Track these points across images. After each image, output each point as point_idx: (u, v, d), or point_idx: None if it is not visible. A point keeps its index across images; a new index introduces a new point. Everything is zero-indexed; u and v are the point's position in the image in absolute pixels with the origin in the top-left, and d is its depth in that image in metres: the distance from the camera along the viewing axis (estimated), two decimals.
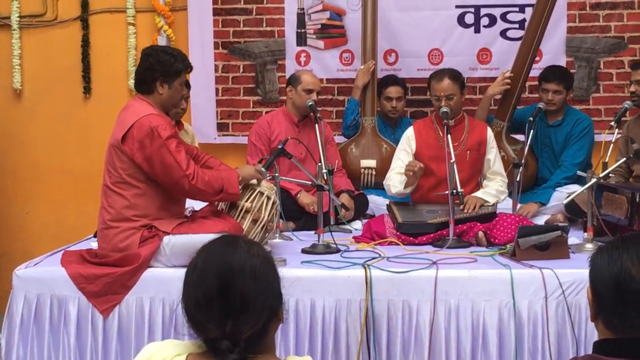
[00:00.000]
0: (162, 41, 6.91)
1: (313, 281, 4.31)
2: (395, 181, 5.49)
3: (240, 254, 2.16)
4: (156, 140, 4.30)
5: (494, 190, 5.48)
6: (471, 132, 5.61)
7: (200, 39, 7.09)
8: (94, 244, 4.84)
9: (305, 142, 5.64)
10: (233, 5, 7.09)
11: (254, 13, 7.10)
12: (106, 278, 4.33)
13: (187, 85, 5.90)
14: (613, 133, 5.14)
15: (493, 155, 5.62)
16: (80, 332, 4.39)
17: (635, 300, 2.12)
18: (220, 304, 2.10)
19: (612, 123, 5.25)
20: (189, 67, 4.59)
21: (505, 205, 5.58)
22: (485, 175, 5.64)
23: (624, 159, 5.28)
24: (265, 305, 2.13)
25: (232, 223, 4.46)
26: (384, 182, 5.66)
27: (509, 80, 6.32)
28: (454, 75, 5.60)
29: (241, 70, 7.16)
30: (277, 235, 5.27)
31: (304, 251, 4.82)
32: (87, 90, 7.24)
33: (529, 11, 6.68)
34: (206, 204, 4.79)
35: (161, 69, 4.45)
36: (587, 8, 6.93)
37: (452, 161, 4.91)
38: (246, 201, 4.61)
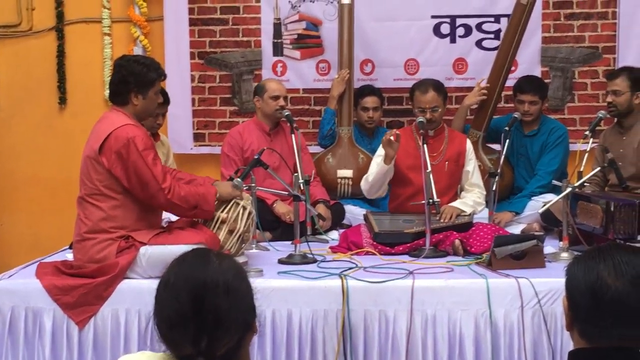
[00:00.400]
0: (138, 51, 6.90)
1: (290, 292, 4.29)
2: (372, 170, 5.49)
3: (212, 269, 2.13)
4: (133, 151, 4.27)
5: (471, 201, 5.50)
6: (450, 143, 5.63)
7: (176, 49, 7.08)
8: (69, 256, 4.80)
9: (278, 150, 5.63)
10: (209, 15, 7.09)
11: (230, 23, 7.10)
12: (82, 289, 4.30)
13: (167, 101, 5.88)
14: (588, 142, 5.17)
15: (472, 167, 5.65)
16: (55, 344, 4.35)
17: (611, 309, 2.12)
18: (194, 322, 2.06)
19: (587, 132, 5.27)
20: (162, 76, 4.55)
21: (482, 215, 5.59)
22: (464, 187, 5.66)
23: (599, 168, 5.30)
24: (239, 320, 2.10)
25: (208, 234, 4.44)
26: (361, 185, 5.66)
27: (485, 91, 6.34)
28: (438, 86, 5.62)
29: (217, 80, 7.15)
30: (254, 245, 5.25)
31: (280, 261, 4.80)
32: (62, 100, 7.20)
33: (504, 21, 6.72)
34: None
35: (135, 80, 4.41)
36: (562, 18, 6.98)
37: (428, 171, 4.91)
38: (222, 212, 4.59)
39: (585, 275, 2.17)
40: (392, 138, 5.25)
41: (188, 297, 2.07)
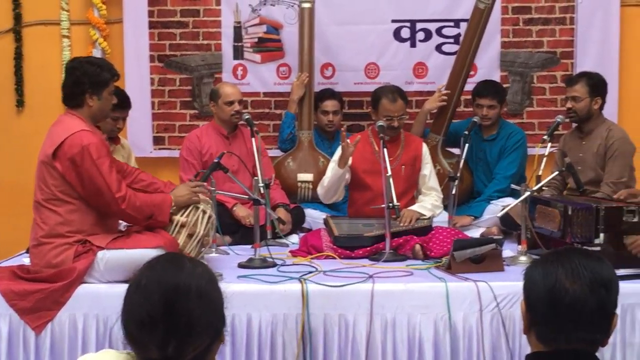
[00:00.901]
0: (97, 54, 6.84)
1: (249, 296, 4.27)
2: (328, 174, 5.49)
3: (185, 274, 2.11)
4: (87, 159, 4.22)
5: (429, 204, 5.52)
6: (406, 147, 5.65)
7: (136, 52, 7.03)
8: (26, 260, 4.74)
9: (237, 154, 5.61)
10: (169, 18, 7.06)
11: (191, 26, 7.07)
12: (39, 294, 4.25)
13: (128, 105, 5.83)
14: (546, 147, 5.20)
15: (428, 170, 5.67)
16: (11, 350, 4.29)
17: (568, 313, 2.13)
18: (164, 325, 2.04)
19: (545, 137, 5.31)
20: (116, 76, 4.50)
21: (441, 219, 5.61)
22: (421, 191, 5.68)
23: (557, 172, 5.35)
24: (210, 327, 2.09)
25: (167, 238, 4.40)
26: (317, 190, 5.67)
27: (445, 97, 6.36)
28: (403, 94, 5.67)
29: (177, 83, 7.12)
30: (214, 249, 5.23)
31: (240, 265, 4.79)
32: (20, 103, 7.13)
33: (463, 26, 6.76)
34: None
35: (89, 81, 4.36)
36: (521, 23, 7.04)
37: (388, 175, 4.92)
38: (181, 215, 4.56)
39: (543, 279, 2.18)
40: (348, 141, 5.27)
41: (160, 299, 2.05)
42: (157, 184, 4.77)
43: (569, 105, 5.73)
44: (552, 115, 6.39)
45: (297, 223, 6.01)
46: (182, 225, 4.54)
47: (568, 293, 2.13)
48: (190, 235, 4.55)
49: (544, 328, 2.18)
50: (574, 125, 5.96)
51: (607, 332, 2.17)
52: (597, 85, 5.73)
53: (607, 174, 5.64)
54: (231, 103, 5.99)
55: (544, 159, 5.08)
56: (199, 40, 7.09)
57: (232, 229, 5.69)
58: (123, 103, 5.67)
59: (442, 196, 5.67)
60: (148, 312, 2.05)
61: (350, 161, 5.45)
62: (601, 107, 5.77)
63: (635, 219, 4.58)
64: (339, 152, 5.60)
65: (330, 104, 6.60)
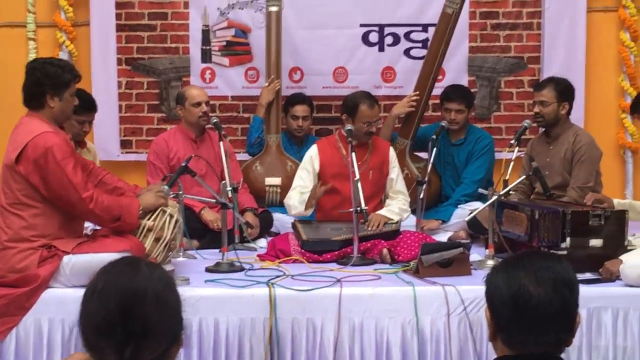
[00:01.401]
0: (64, 57, 6.78)
1: (217, 300, 4.26)
2: (296, 201, 5.49)
3: (142, 278, 2.10)
4: (51, 161, 4.18)
5: (397, 208, 5.52)
6: (374, 151, 5.65)
7: (103, 55, 7.00)
8: None
9: (205, 157, 5.59)
10: (137, 21, 7.02)
11: (158, 29, 7.05)
12: (3, 299, 4.20)
13: (94, 108, 5.79)
14: (513, 151, 5.23)
15: (395, 174, 5.68)
16: None
17: (534, 317, 2.14)
18: (120, 329, 2.03)
19: (512, 141, 5.33)
20: (77, 77, 4.45)
21: (409, 223, 5.62)
22: (388, 195, 5.69)
23: (524, 176, 5.37)
24: (167, 331, 2.08)
25: (134, 242, 4.37)
26: (284, 201, 5.65)
27: (414, 103, 6.37)
28: (377, 100, 5.67)
29: (145, 86, 7.09)
30: (181, 253, 5.20)
31: (207, 270, 4.77)
32: None
33: (432, 31, 6.77)
34: None
35: (49, 82, 4.31)
36: (488, 28, 7.08)
37: (356, 179, 4.92)
38: (148, 219, 4.53)
39: (506, 284, 2.19)
40: (322, 188, 5.28)
41: (116, 304, 2.05)
42: (122, 189, 4.73)
43: (536, 109, 5.77)
44: (520, 120, 6.42)
45: (265, 227, 6.00)
46: (149, 229, 4.51)
47: (533, 297, 2.14)
48: (157, 240, 4.53)
49: (511, 333, 2.19)
50: (541, 130, 5.99)
51: (572, 331, 2.18)
52: (564, 90, 5.78)
53: (573, 178, 5.67)
54: (198, 104, 5.96)
55: (511, 164, 5.10)
56: (167, 44, 7.07)
57: (200, 233, 5.66)
58: (89, 106, 5.63)
59: (409, 200, 5.68)
60: (104, 317, 2.05)
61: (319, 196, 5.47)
62: (568, 112, 5.81)
63: (601, 223, 4.62)
64: (306, 159, 5.60)
65: (300, 109, 6.59)
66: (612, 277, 4.43)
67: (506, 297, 2.18)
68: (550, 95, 5.73)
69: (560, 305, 2.13)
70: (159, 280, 2.12)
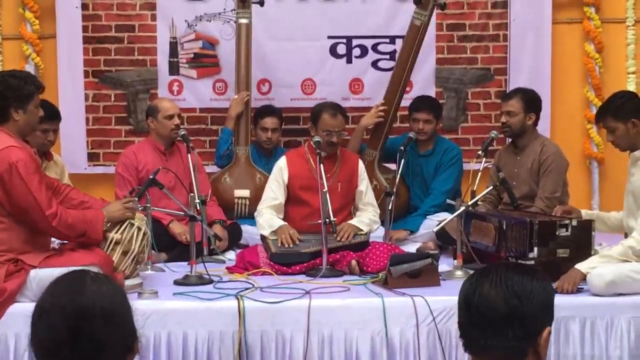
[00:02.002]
0: (29, 69, 6.73)
1: (185, 313, 4.24)
2: (266, 224, 5.44)
3: (88, 294, 2.04)
4: (15, 176, 4.13)
5: (366, 219, 5.52)
6: (343, 163, 5.64)
7: (70, 68, 6.95)
8: None
9: (174, 170, 5.56)
10: (104, 33, 6.99)
11: (126, 41, 7.01)
12: None
13: (57, 116, 5.76)
14: (481, 162, 5.26)
15: (364, 186, 5.67)
16: None
17: (477, 317, 2.16)
18: (71, 350, 1.99)
19: (480, 152, 5.36)
20: (40, 88, 4.41)
21: (378, 234, 5.63)
22: (357, 207, 5.68)
23: (491, 187, 5.40)
24: (119, 345, 2.04)
25: (101, 255, 4.34)
26: (255, 215, 5.63)
27: (382, 113, 6.38)
28: (344, 112, 5.68)
29: (112, 99, 7.05)
30: (149, 266, 5.17)
31: (176, 282, 4.74)
32: None
33: (399, 42, 6.80)
34: None
35: (13, 95, 4.27)
36: (455, 40, 7.12)
37: (324, 190, 4.93)
38: (116, 232, 4.51)
39: (466, 284, 2.23)
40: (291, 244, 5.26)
41: (64, 325, 1.99)
42: (89, 203, 4.69)
43: (503, 119, 5.80)
44: (487, 131, 6.45)
45: (234, 239, 5.99)
46: (117, 242, 4.49)
47: (481, 297, 2.15)
48: (125, 253, 4.51)
49: (462, 333, 2.21)
50: (509, 140, 6.03)
51: (527, 341, 2.17)
52: (531, 101, 5.82)
53: (541, 188, 5.71)
54: (171, 117, 5.94)
55: (479, 174, 5.12)
56: (134, 56, 7.04)
57: (168, 246, 5.63)
58: (51, 114, 5.58)
59: (379, 211, 5.68)
60: (52, 339, 2.00)
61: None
62: (535, 123, 5.85)
63: (568, 233, 4.65)
64: (275, 171, 5.58)
65: (269, 122, 6.56)
66: (570, 290, 4.43)
67: (461, 296, 2.21)
68: (517, 105, 5.77)
69: (507, 313, 2.14)
70: (106, 294, 2.06)
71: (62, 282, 2.10)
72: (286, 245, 5.20)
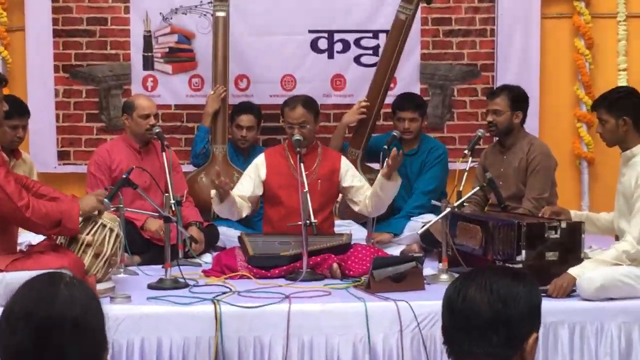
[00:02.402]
0: None
1: (160, 318, 4.22)
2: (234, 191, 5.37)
3: (60, 302, 1.98)
4: None
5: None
6: (323, 161, 5.59)
7: (39, 62, 6.93)
8: None
9: (149, 169, 5.53)
10: (75, 26, 6.96)
11: (98, 35, 6.99)
12: None
13: (26, 112, 5.74)
14: (467, 161, 5.27)
15: (349, 180, 5.53)
16: None
17: (461, 320, 2.16)
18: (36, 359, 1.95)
19: (466, 151, 5.38)
20: (3, 81, 4.40)
21: (360, 236, 5.63)
22: (352, 200, 5.54)
23: (478, 187, 5.41)
24: (88, 357, 1.99)
25: (72, 258, 4.32)
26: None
27: (365, 110, 6.38)
28: (308, 102, 5.58)
29: (84, 95, 7.03)
30: (122, 270, 5.14)
31: (150, 286, 4.73)
32: None
33: (383, 37, 6.82)
34: (44, 237, 4.63)
35: None
36: (441, 35, 7.14)
37: (305, 191, 4.92)
38: (87, 234, 4.49)
39: (450, 287, 2.23)
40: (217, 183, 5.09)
41: (31, 333, 1.94)
42: (59, 198, 4.68)
43: (489, 118, 5.83)
44: (473, 129, 6.47)
45: (211, 242, 5.98)
46: (88, 245, 4.48)
47: (465, 299, 2.16)
48: (96, 255, 4.49)
49: (446, 337, 2.22)
50: (495, 139, 6.05)
51: (513, 347, 2.18)
52: (518, 98, 5.85)
53: (528, 189, 5.74)
54: (147, 116, 5.90)
55: (465, 174, 5.14)
56: (107, 50, 7.02)
57: (142, 248, 5.61)
58: (20, 110, 5.56)
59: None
60: (17, 347, 1.95)
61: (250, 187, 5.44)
62: (522, 121, 5.88)
63: (557, 235, 4.66)
64: (251, 167, 5.56)
65: (245, 119, 6.55)
66: (561, 295, 4.45)
67: (445, 300, 2.21)
68: (503, 103, 5.80)
69: (491, 317, 2.14)
70: (78, 303, 2.00)
71: (34, 286, 2.04)
72: (222, 186, 5.06)
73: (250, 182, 5.51)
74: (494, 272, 2.23)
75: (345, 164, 5.64)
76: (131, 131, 5.98)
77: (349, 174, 5.59)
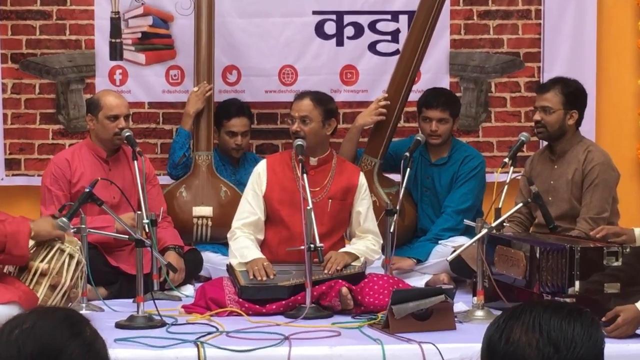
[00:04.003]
0: None
1: None
2: (237, 249, 5.41)
3: (76, 345, 2.06)
4: None
5: (363, 246, 5.49)
6: (338, 175, 5.60)
7: None
8: None
9: (119, 182, 5.54)
10: (26, 7, 6.98)
11: (54, 17, 7.01)
12: None
13: None
14: (508, 172, 5.27)
15: (365, 207, 5.62)
16: None
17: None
18: None
19: (507, 159, 5.38)
20: None
21: (377, 263, 5.64)
22: (354, 233, 5.64)
23: (521, 204, 5.40)
24: None
25: (22, 290, 4.35)
26: (227, 236, 5.61)
27: (384, 110, 6.35)
28: (319, 98, 5.63)
29: (37, 90, 7.04)
30: (84, 305, 5.16)
31: (118, 325, 4.75)
32: None
33: (403, 20, 6.82)
34: None
35: None
36: (475, 17, 7.11)
37: (309, 208, 4.93)
38: (42, 261, 4.51)
39: (491, 326, 2.23)
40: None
41: (32, 354, 2.03)
42: (8, 220, 4.69)
43: (537, 117, 5.78)
44: (515, 133, 6.48)
45: (193, 270, 5.99)
46: (43, 274, 4.50)
47: (509, 342, 2.16)
48: (53, 287, 4.52)
49: None
50: (544, 144, 6.04)
51: None
52: (574, 95, 5.80)
53: (584, 207, 5.71)
54: (115, 118, 5.88)
55: (505, 188, 5.14)
56: (66, 36, 7.03)
57: (109, 279, 5.63)
58: None
59: (381, 241, 5.61)
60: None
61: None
62: (578, 123, 5.84)
63: (618, 263, 4.65)
64: (253, 177, 5.57)
65: (238, 123, 6.53)
66: (622, 334, 4.44)
67: (485, 343, 2.22)
68: (555, 100, 5.76)
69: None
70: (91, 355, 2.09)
71: (56, 314, 2.13)
72: (258, 278, 5.20)
73: (257, 198, 5.55)
74: (544, 309, 2.23)
75: (363, 183, 5.66)
76: (96, 135, 5.98)
77: (365, 203, 5.65)
